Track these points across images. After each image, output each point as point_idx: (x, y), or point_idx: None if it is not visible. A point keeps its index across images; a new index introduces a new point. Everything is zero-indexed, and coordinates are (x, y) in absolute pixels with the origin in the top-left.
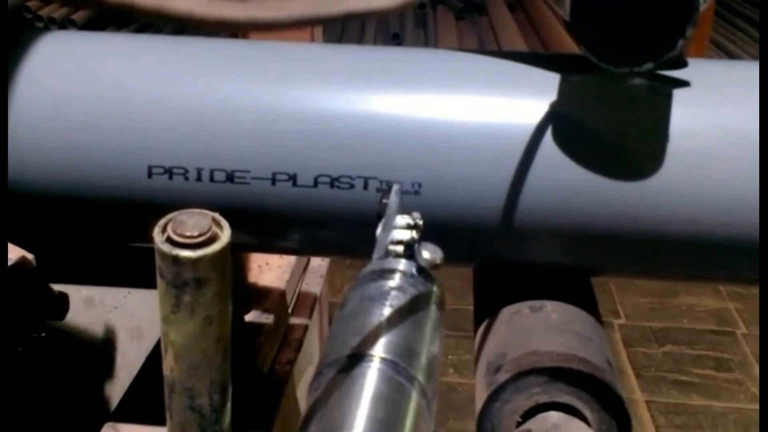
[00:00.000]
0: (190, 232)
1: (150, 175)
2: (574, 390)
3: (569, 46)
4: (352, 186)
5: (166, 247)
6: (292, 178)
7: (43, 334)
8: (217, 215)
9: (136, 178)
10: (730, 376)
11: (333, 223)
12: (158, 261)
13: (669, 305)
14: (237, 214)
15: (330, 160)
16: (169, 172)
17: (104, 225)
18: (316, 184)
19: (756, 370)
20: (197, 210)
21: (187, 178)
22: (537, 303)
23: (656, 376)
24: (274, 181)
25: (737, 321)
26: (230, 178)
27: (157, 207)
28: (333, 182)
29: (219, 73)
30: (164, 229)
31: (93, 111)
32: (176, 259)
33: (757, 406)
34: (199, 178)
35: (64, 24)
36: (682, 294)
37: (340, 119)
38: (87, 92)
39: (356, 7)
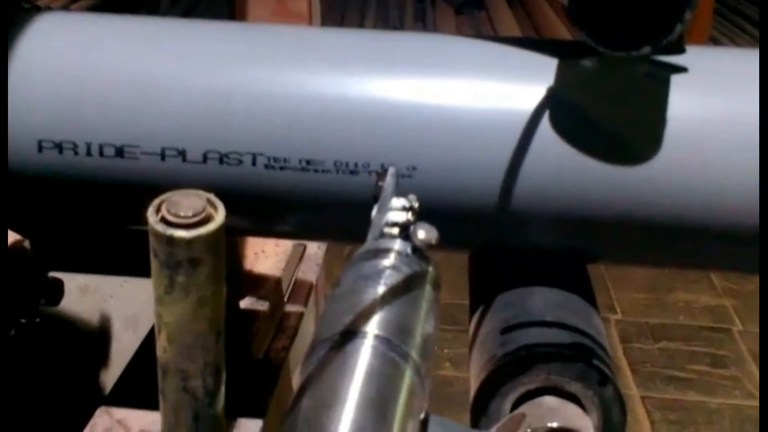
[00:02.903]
0: (185, 213)
1: (40, 149)
2: (563, 371)
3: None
4: (240, 162)
5: (160, 227)
6: (182, 154)
7: (37, 320)
8: (212, 196)
9: (26, 153)
10: (725, 373)
11: (224, 199)
12: (152, 241)
13: (665, 301)
14: (127, 190)
15: (220, 136)
16: (59, 146)
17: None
18: (205, 159)
19: (752, 366)
20: (192, 191)
21: (77, 153)
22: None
23: (652, 371)
24: (163, 156)
25: (733, 318)
26: (120, 153)
27: (47, 182)
28: (222, 158)
29: (112, 47)
30: (158, 209)
31: None
32: (170, 240)
33: (752, 403)
34: (89, 153)
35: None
36: (678, 290)
37: (244, 96)
38: None
39: None
